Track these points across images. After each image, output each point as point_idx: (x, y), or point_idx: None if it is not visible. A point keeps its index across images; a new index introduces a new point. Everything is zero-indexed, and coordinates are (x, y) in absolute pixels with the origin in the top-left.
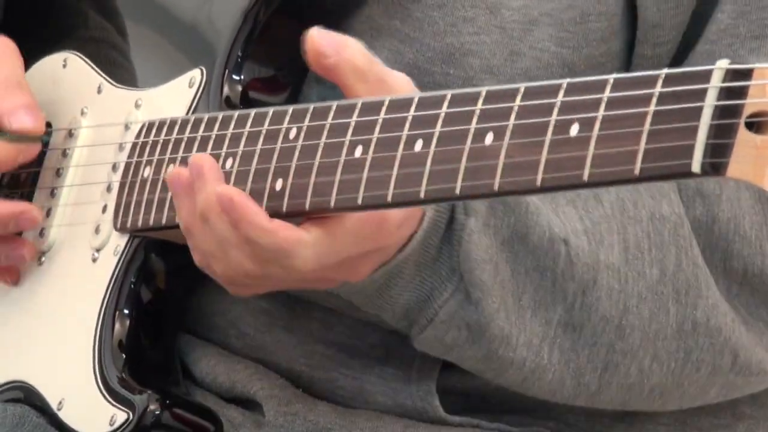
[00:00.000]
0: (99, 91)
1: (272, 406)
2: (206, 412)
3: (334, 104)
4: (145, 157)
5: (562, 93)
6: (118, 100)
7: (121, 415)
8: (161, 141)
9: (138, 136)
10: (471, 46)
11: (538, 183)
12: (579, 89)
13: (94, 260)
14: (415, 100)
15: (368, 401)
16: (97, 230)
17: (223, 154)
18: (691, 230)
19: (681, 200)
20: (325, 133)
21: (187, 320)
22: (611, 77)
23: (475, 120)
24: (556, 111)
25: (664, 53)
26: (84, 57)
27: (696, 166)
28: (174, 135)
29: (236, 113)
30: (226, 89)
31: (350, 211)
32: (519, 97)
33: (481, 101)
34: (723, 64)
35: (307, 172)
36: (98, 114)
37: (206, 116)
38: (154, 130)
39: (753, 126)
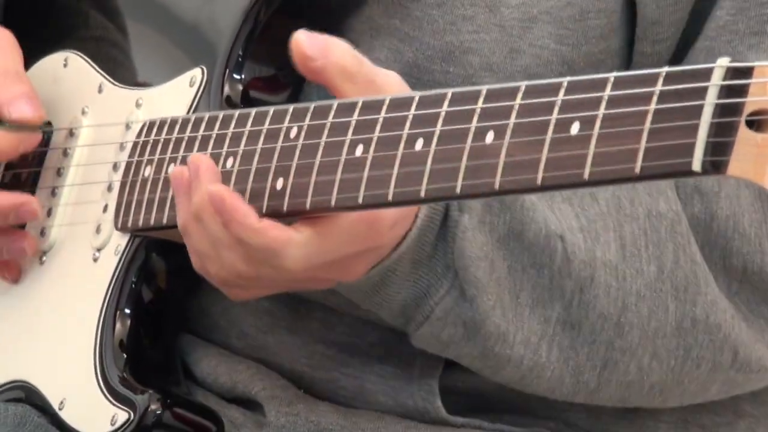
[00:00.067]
0: (100, 90)
1: (274, 407)
2: (207, 411)
3: (335, 103)
4: (146, 157)
5: (562, 91)
6: (119, 99)
7: (122, 415)
8: (162, 140)
9: (139, 135)
10: (470, 44)
11: (539, 182)
12: (580, 88)
13: (95, 260)
14: (416, 98)
15: (369, 401)
16: (98, 230)
17: (223, 153)
18: (690, 227)
19: (679, 197)
20: (326, 132)
21: (188, 320)
22: (612, 75)
23: (475, 119)
24: (556, 109)
25: (663, 50)
26: (85, 56)
27: (697, 165)
28: (175, 134)
29: (237, 112)
30: (226, 88)
31: (351, 211)
32: (520, 96)
33: (481, 100)
34: (723, 62)
35: (308, 171)
36: (99, 113)
37: (207, 115)
38: (154, 130)
39: (753, 124)
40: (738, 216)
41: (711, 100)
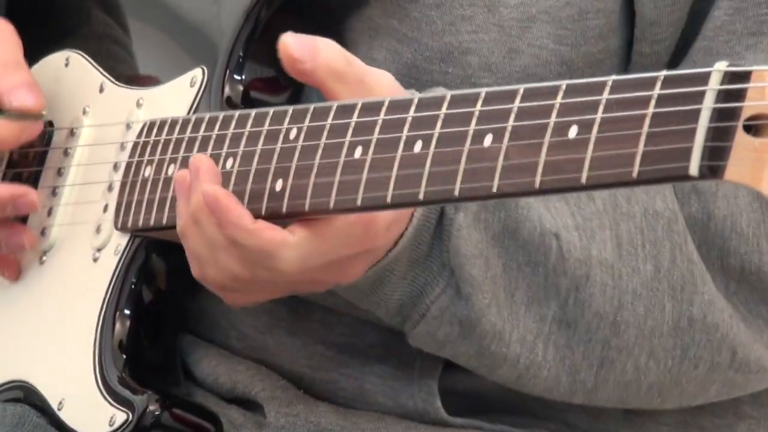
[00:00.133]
0: (101, 90)
1: (273, 407)
2: (206, 412)
3: (335, 104)
4: (146, 157)
5: (561, 95)
6: (120, 99)
7: (120, 416)
8: (162, 140)
9: (139, 135)
10: (469, 45)
11: (537, 185)
12: (578, 91)
13: (95, 260)
14: (415, 101)
15: (369, 402)
16: (98, 230)
17: (223, 154)
18: (687, 227)
19: (676, 197)
20: (325, 133)
21: (188, 321)
22: (610, 79)
23: (474, 121)
24: (554, 113)
25: (662, 50)
26: (86, 56)
27: (694, 169)
28: (175, 135)
29: (237, 113)
30: (227, 89)
31: (349, 213)
32: (518, 99)
33: (480, 102)
34: (721, 66)
35: (307, 172)
36: (100, 113)
37: (207, 116)
38: (155, 130)
39: (751, 129)
40: (735, 216)
41: (708, 104)
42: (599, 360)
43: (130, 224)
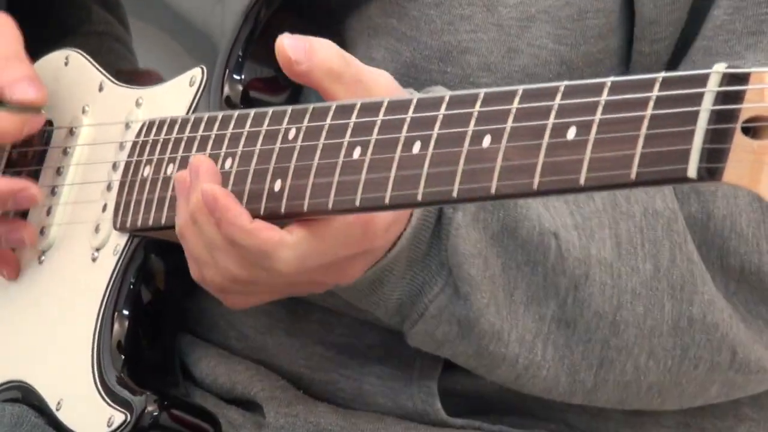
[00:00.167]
0: (100, 89)
1: (273, 408)
2: (205, 413)
3: (334, 105)
4: (145, 156)
5: (559, 96)
6: (119, 98)
7: (118, 416)
8: (161, 140)
9: (138, 135)
10: (468, 44)
11: (535, 186)
12: (576, 92)
13: (94, 260)
14: (414, 101)
15: (368, 403)
16: (96, 229)
17: (222, 154)
18: (686, 226)
19: (676, 196)
20: (324, 133)
21: (187, 321)
22: (609, 80)
23: (473, 122)
24: (553, 114)
25: (662, 50)
26: (86, 55)
27: (692, 171)
28: (174, 134)
29: (236, 113)
30: (226, 89)
31: (348, 213)
32: (517, 100)
33: (479, 103)
34: (720, 68)
35: (306, 173)
36: (99, 112)
37: (206, 116)
38: (154, 129)
39: (749, 131)
40: (735, 216)
41: (707, 106)
42: (599, 360)
43: (128, 224)
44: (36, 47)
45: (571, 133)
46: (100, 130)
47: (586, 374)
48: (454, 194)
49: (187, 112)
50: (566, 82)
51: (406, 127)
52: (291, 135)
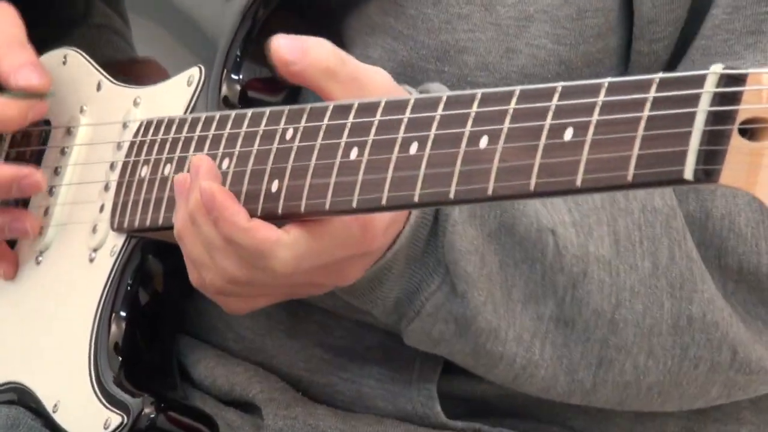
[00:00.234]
0: (98, 88)
1: (271, 410)
2: (202, 415)
3: (331, 105)
4: (143, 157)
5: (556, 96)
6: (117, 97)
7: (115, 419)
8: (159, 140)
9: (136, 134)
10: (466, 44)
11: (532, 187)
12: (573, 93)
13: (91, 260)
14: (411, 101)
15: (367, 405)
16: (94, 230)
17: (219, 154)
18: (685, 224)
19: (674, 194)
20: (321, 134)
21: (185, 322)
22: (606, 81)
23: (470, 123)
24: (550, 115)
25: (661, 49)
26: (84, 54)
27: (689, 173)
28: (171, 134)
29: (233, 113)
30: (224, 89)
31: (345, 214)
32: (514, 100)
33: (476, 104)
34: (717, 68)
35: (303, 173)
36: (97, 112)
37: (203, 116)
38: (151, 129)
39: (747, 132)
40: (734, 215)
41: (704, 107)
42: (597, 359)
43: (126, 225)
44: (35, 39)
45: (568, 134)
46: (97, 130)
47: (584, 374)
48: (451, 195)
49: (185, 112)
50: (563, 83)
51: (403, 127)
52: (288, 135)
